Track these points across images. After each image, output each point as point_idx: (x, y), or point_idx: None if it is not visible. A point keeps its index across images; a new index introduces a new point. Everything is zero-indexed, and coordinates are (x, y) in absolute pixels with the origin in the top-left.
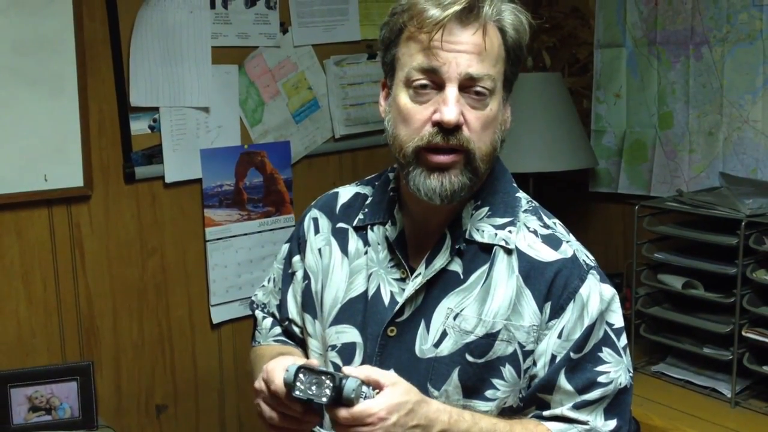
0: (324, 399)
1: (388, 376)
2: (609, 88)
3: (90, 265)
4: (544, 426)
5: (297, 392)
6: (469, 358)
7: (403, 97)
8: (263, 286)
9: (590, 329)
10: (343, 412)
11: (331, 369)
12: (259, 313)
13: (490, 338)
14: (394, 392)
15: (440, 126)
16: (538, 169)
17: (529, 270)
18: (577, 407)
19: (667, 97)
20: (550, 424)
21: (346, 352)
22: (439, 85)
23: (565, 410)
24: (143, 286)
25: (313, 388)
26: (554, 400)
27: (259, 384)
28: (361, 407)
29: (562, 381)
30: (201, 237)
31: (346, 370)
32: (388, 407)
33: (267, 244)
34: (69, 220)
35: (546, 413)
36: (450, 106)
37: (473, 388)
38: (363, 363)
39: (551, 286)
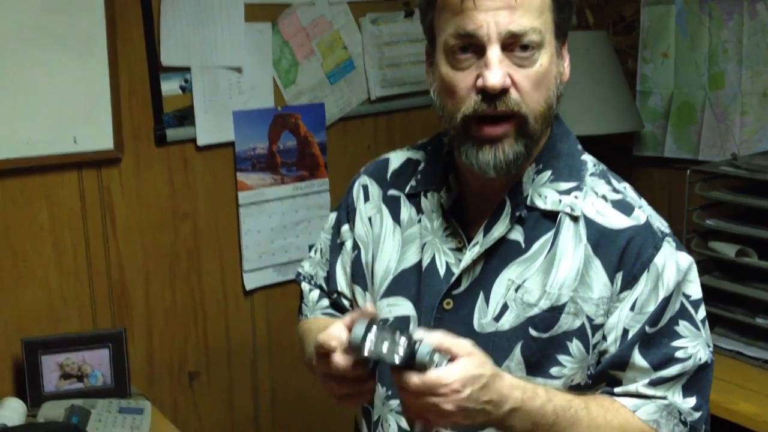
0: (396, 359)
1: (463, 345)
2: (656, 47)
3: (121, 230)
4: (618, 402)
5: (367, 350)
6: (533, 332)
7: (444, 66)
8: (310, 257)
9: (666, 301)
10: (414, 378)
11: None
12: (305, 285)
13: (555, 311)
14: (470, 363)
15: (485, 92)
16: (580, 132)
17: (599, 238)
18: (653, 384)
19: (719, 57)
20: (625, 401)
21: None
22: (479, 49)
23: (640, 387)
24: (175, 251)
25: (385, 345)
26: (627, 377)
27: (315, 361)
28: (435, 375)
29: (636, 357)
30: (234, 202)
31: (417, 334)
32: (464, 379)
33: (301, 209)
34: (99, 184)
35: (618, 390)
36: (493, 70)
37: (537, 364)
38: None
39: (623, 255)
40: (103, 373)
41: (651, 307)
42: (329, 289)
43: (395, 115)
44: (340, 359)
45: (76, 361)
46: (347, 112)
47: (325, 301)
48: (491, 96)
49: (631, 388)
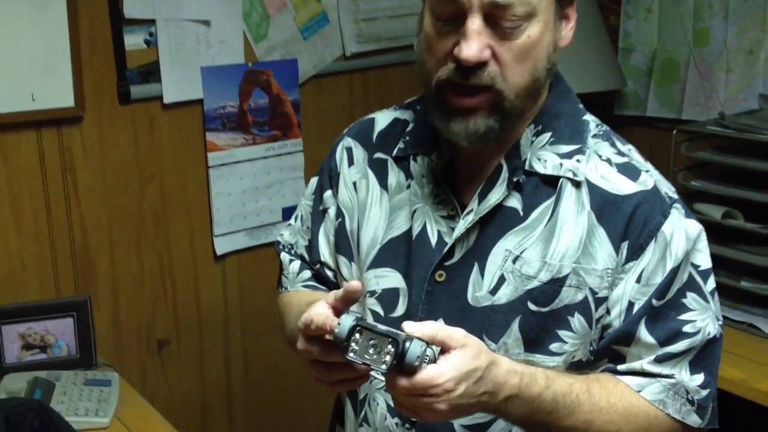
0: (383, 367)
1: (456, 337)
2: (640, 2)
3: (83, 192)
4: (622, 383)
5: (351, 354)
6: (532, 306)
7: (428, 25)
8: (290, 224)
9: (674, 272)
10: (403, 381)
11: (370, 319)
12: (285, 256)
13: (556, 284)
14: (463, 357)
15: (459, 63)
16: None
17: (603, 205)
18: (659, 361)
19: (704, 12)
20: (630, 380)
21: (387, 299)
22: (462, 15)
23: (645, 364)
24: (141, 215)
25: (371, 351)
26: (631, 353)
27: (301, 344)
28: (425, 376)
29: (642, 332)
30: (203, 163)
31: (407, 327)
32: (457, 377)
33: (273, 170)
34: (60, 144)
35: (621, 367)
36: (469, 42)
37: (536, 340)
38: (407, 311)
39: (629, 223)
40: (68, 343)
41: (658, 279)
42: (311, 260)
43: (371, 72)
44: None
45: (39, 330)
46: (321, 69)
47: (307, 273)
48: (465, 68)
49: (636, 365)
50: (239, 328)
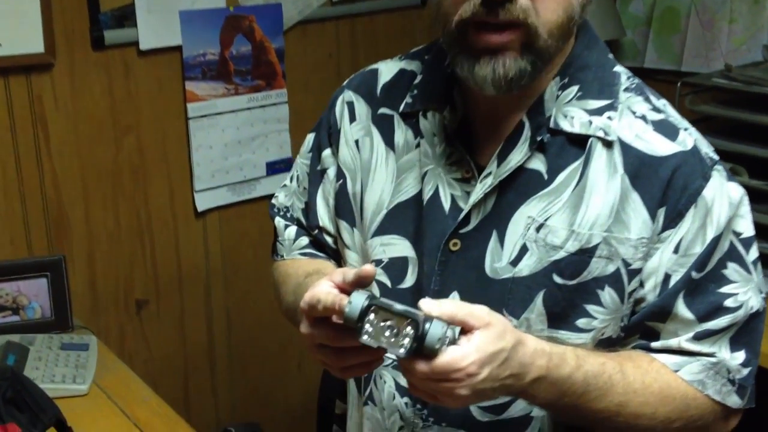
0: (401, 351)
1: (478, 316)
2: None
3: (55, 145)
4: (658, 362)
5: (365, 337)
6: (557, 279)
7: None
8: (284, 185)
9: (715, 242)
10: (421, 366)
11: (376, 291)
12: (279, 221)
13: (584, 254)
14: (487, 337)
15: None
16: None
17: (638, 167)
18: (698, 338)
19: None
20: (666, 358)
21: (395, 269)
22: None
23: (683, 342)
24: (117, 169)
25: (386, 333)
26: (666, 330)
27: (305, 328)
28: (446, 360)
29: (680, 307)
30: (182, 114)
31: (425, 306)
32: (480, 359)
33: (257, 122)
34: (29, 93)
35: (656, 345)
36: None
37: (562, 316)
38: (417, 282)
39: (667, 188)
40: (42, 305)
41: (698, 249)
42: (308, 224)
43: (359, 19)
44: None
45: (11, 291)
46: (307, 14)
47: (305, 239)
48: (493, 1)
49: (672, 342)
50: (221, 287)
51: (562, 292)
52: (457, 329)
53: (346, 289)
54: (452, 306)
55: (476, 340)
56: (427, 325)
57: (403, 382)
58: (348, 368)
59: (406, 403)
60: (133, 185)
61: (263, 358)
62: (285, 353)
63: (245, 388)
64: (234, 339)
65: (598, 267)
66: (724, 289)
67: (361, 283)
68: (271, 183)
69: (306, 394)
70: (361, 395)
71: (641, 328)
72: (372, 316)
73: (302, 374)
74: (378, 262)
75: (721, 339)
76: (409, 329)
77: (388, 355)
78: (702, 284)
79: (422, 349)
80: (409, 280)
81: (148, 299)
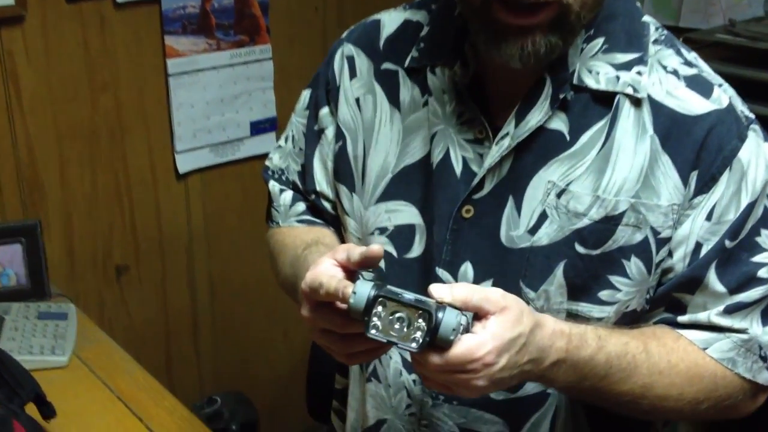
0: (414, 345)
1: (494, 300)
2: None
3: (28, 102)
4: (685, 339)
5: (373, 332)
6: (580, 248)
7: None
8: (279, 146)
9: (750, 207)
10: (435, 359)
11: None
12: (274, 185)
13: (610, 222)
14: (504, 323)
15: None
16: None
17: (670, 127)
18: (729, 312)
19: None
20: (693, 335)
21: (401, 238)
22: None
23: (712, 316)
24: (94, 129)
25: (396, 326)
26: (695, 303)
27: (306, 312)
28: (461, 351)
29: (711, 278)
30: (161, 71)
31: (435, 292)
32: (498, 347)
33: (240, 80)
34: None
35: (683, 319)
36: None
37: (583, 288)
38: (426, 252)
39: (701, 150)
40: (17, 272)
41: (731, 215)
42: (305, 188)
43: None
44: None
45: None
46: None
47: (301, 205)
48: None
49: (701, 317)
50: (204, 252)
51: (584, 262)
52: (470, 315)
53: (350, 268)
54: (465, 290)
55: (492, 326)
56: (439, 315)
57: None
58: (354, 355)
59: (414, 381)
60: (111, 146)
61: (248, 325)
62: (271, 320)
63: (230, 357)
64: (218, 306)
65: (624, 236)
66: (758, 258)
67: (368, 263)
68: (255, 144)
69: (293, 363)
70: (364, 371)
71: (667, 300)
72: (380, 308)
73: (289, 342)
74: (383, 230)
75: (753, 312)
76: (420, 321)
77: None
78: (735, 253)
79: (435, 341)
80: (417, 250)
81: (128, 265)
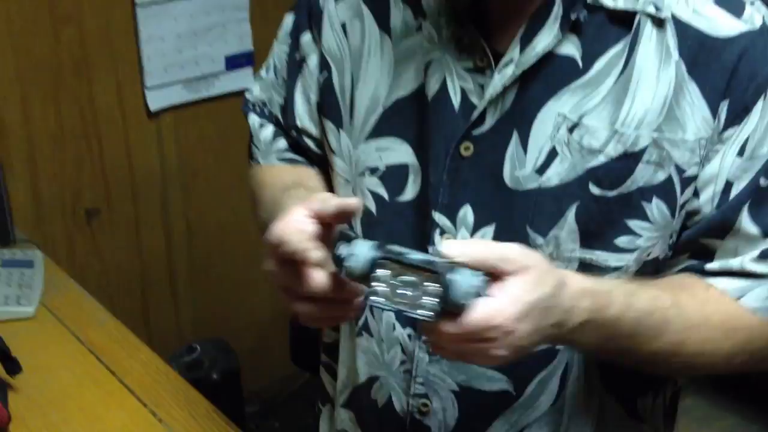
0: (430, 314)
1: (512, 258)
2: None
3: None
4: (715, 288)
5: (377, 299)
6: (594, 189)
7: None
8: (260, 77)
9: None
10: (448, 327)
11: (371, 203)
12: (254, 119)
13: (629, 160)
14: (525, 284)
15: None
16: None
17: (697, 51)
18: (765, 257)
19: None
20: (724, 283)
21: (394, 179)
22: None
23: (746, 262)
24: (58, 63)
25: (403, 292)
26: (725, 248)
27: (270, 265)
28: (478, 317)
29: (744, 221)
30: (128, 0)
31: (447, 249)
32: (519, 312)
33: (214, 10)
34: None
35: (711, 266)
36: None
37: (597, 233)
38: (421, 195)
39: (732, 76)
40: None
41: (766, 149)
42: (286, 124)
43: None
44: (319, 278)
45: None
46: None
47: (283, 142)
48: None
49: (733, 263)
50: (179, 194)
51: (599, 205)
52: (486, 277)
53: (325, 220)
54: (481, 249)
55: (512, 289)
56: (452, 276)
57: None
58: (322, 319)
59: (409, 336)
60: (76, 82)
61: (227, 269)
62: (251, 264)
63: (209, 302)
64: (195, 250)
65: (644, 175)
66: None
67: (343, 217)
68: (231, 79)
69: (275, 308)
70: (354, 325)
71: (693, 247)
72: (381, 271)
73: (270, 286)
74: (373, 170)
75: None
76: (430, 284)
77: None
78: None
79: (447, 306)
80: (410, 192)
81: (99, 208)
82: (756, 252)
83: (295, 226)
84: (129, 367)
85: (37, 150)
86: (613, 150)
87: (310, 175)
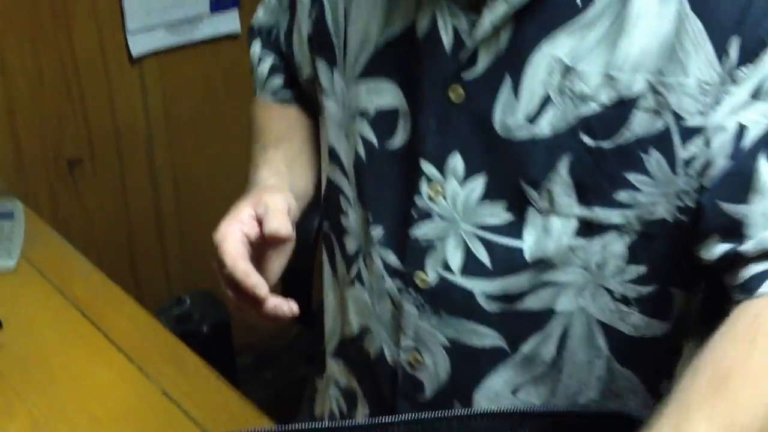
0: None
1: None
2: None
3: None
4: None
5: None
6: (587, 140)
7: None
8: (263, 3)
9: None
10: None
11: (361, 149)
12: (255, 48)
13: (623, 107)
14: None
15: None
16: None
17: None
18: None
19: None
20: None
21: (383, 123)
22: None
23: None
24: (33, 6)
25: None
26: (753, 215)
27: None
28: None
29: (765, 171)
30: None
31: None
32: None
33: None
34: None
35: (745, 248)
36: None
37: (594, 188)
38: (410, 142)
39: (746, 7)
40: None
41: None
42: (288, 52)
43: None
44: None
45: None
46: None
47: (278, 79)
48: None
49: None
50: (165, 143)
51: (594, 157)
52: None
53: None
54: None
55: None
56: None
57: (392, 260)
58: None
59: (399, 289)
60: (54, 24)
61: (217, 219)
62: None
63: (198, 254)
64: (183, 200)
65: (641, 123)
66: None
67: (274, 243)
68: (216, 23)
69: None
70: (347, 273)
71: (719, 221)
72: None
73: None
74: (363, 114)
75: None
76: None
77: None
78: None
79: None
80: (400, 138)
81: (82, 158)
82: None
83: (234, 246)
84: (115, 322)
85: (16, 98)
86: (606, 97)
87: (297, 124)
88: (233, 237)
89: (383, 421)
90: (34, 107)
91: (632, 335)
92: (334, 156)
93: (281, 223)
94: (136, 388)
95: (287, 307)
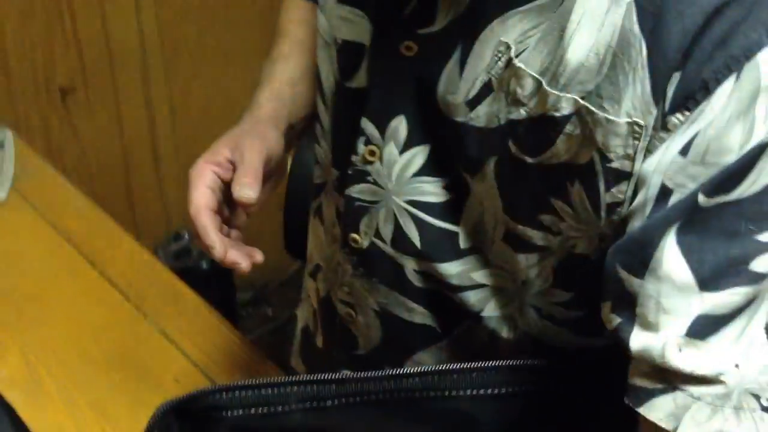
0: None
1: None
2: None
3: None
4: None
5: None
6: (513, 148)
7: None
8: None
9: (761, 149)
10: None
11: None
12: None
13: (548, 126)
14: None
15: None
16: None
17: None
18: (697, 333)
19: None
20: (659, 405)
21: (347, 57)
22: None
23: (670, 347)
24: None
25: None
26: (644, 297)
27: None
28: None
29: (668, 251)
30: None
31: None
32: None
33: None
34: None
35: (633, 344)
36: None
37: (517, 201)
38: (367, 87)
39: (696, 39)
40: None
41: (727, 156)
42: None
43: None
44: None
45: None
46: None
47: None
48: None
49: (655, 347)
50: (161, 71)
51: (518, 169)
52: None
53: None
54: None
55: None
56: None
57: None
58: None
59: (346, 242)
60: None
61: None
62: None
63: None
64: (180, 130)
65: (568, 149)
66: (763, 236)
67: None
68: None
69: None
70: (312, 204)
71: (611, 287)
72: None
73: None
74: (334, 41)
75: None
76: None
77: None
78: (723, 212)
79: None
80: (360, 78)
81: (74, 86)
82: (686, 323)
83: (206, 205)
84: (110, 257)
85: (4, 22)
86: (534, 107)
87: (298, 32)
88: (203, 181)
89: (397, 372)
90: (24, 34)
91: (567, 347)
92: (317, 77)
93: (245, 189)
94: (133, 327)
95: (245, 264)
